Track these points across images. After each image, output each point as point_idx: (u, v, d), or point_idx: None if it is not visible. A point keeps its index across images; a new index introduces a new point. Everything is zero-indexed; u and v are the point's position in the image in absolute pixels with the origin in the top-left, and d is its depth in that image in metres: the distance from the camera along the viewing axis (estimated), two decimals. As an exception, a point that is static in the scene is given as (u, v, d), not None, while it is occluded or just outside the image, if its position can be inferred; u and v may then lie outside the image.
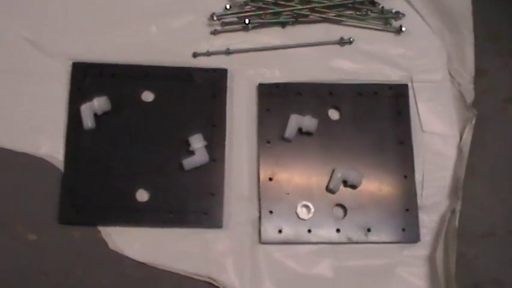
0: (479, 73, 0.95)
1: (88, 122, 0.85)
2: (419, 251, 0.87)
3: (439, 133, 0.92)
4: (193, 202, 0.86)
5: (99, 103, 0.86)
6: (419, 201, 0.89)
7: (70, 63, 0.90)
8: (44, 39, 0.92)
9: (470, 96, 0.93)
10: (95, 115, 0.86)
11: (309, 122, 0.88)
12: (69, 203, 0.84)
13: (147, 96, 0.90)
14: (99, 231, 0.85)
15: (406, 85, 0.93)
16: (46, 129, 0.88)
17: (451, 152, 0.92)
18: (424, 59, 0.95)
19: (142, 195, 0.86)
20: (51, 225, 0.84)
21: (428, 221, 0.88)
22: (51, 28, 0.92)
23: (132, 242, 0.84)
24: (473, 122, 0.91)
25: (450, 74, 0.95)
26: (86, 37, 0.92)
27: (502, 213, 0.91)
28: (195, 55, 0.92)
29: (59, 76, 0.90)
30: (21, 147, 0.87)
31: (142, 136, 0.88)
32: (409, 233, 0.87)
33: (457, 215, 0.86)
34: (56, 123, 0.88)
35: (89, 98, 0.86)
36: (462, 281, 0.83)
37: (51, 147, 0.87)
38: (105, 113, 0.87)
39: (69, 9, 0.93)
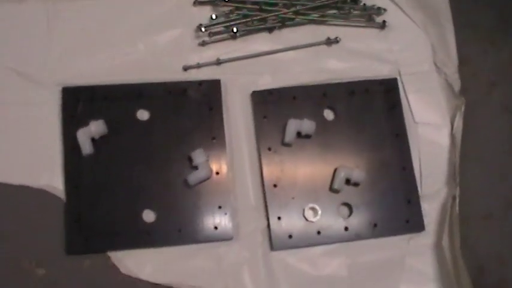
0: (462, 60, 0.98)
1: (86, 147, 0.83)
2: (426, 239, 0.89)
3: (431, 123, 0.95)
4: (201, 217, 0.85)
5: (96, 127, 0.84)
6: (419, 191, 0.91)
7: (60, 88, 0.87)
8: (31, 67, 0.89)
9: (457, 85, 0.96)
10: (92, 140, 0.84)
11: (307, 125, 0.88)
12: (75, 232, 0.82)
13: (143, 114, 0.88)
14: (109, 257, 0.83)
15: (395, 79, 0.95)
16: (43, 159, 0.85)
17: (444, 140, 0.94)
18: (409, 52, 0.97)
19: (149, 216, 0.84)
20: (59, 257, 0.82)
21: (430, 210, 0.90)
22: (36, 55, 0.89)
23: (144, 264, 0.83)
24: (463, 109, 0.94)
25: (435, 65, 0.97)
26: (73, 61, 0.90)
27: (498, 194, 0.94)
28: (185, 68, 0.91)
29: (50, 103, 0.87)
30: (19, 180, 0.84)
31: (143, 156, 0.86)
32: (414, 224, 0.89)
33: (457, 201, 0.89)
34: (53, 152, 0.85)
35: (84, 123, 0.84)
36: (467, 264, 0.85)
37: (50, 177, 0.84)
38: (102, 137, 0.85)
39: (53, 35, 0.90)
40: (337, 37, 0.95)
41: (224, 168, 0.87)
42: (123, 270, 0.83)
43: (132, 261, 0.83)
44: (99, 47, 0.91)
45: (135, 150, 0.86)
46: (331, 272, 0.86)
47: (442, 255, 0.87)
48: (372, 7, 0.98)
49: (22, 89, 0.88)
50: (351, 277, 0.86)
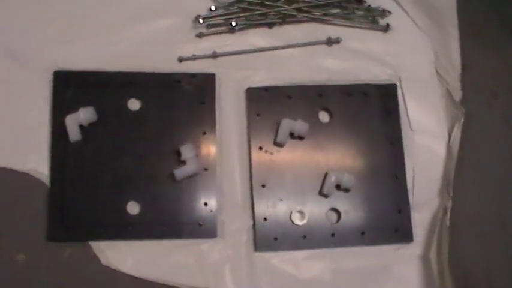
0: (464, 68, 0.95)
1: (74, 134, 0.82)
2: (413, 250, 0.87)
3: (428, 131, 0.92)
4: (186, 213, 0.84)
5: (85, 114, 0.82)
6: (410, 200, 0.89)
7: (51, 72, 0.86)
8: (23, 49, 0.87)
9: (458, 94, 0.93)
10: (81, 126, 0.83)
11: (300, 126, 0.87)
12: (57, 220, 0.81)
13: (134, 104, 0.87)
14: (91, 247, 0.82)
15: (395, 85, 0.93)
16: (30, 143, 0.84)
17: (440, 150, 0.92)
18: (411, 57, 0.95)
19: (133, 208, 0.83)
20: (40, 244, 0.81)
21: (420, 220, 0.89)
22: (29, 38, 0.88)
23: (125, 256, 0.82)
24: (462, 120, 0.91)
25: (437, 72, 0.95)
26: (66, 46, 0.88)
27: (491, 210, 0.92)
28: (180, 59, 0.89)
29: (40, 87, 0.86)
30: (4, 163, 0.83)
31: (131, 146, 0.85)
32: (402, 234, 0.87)
33: (448, 213, 0.87)
34: (40, 136, 0.84)
35: (73, 109, 0.83)
36: (454, 278, 0.83)
37: (36, 161, 0.83)
38: (91, 124, 0.84)
39: (48, 18, 0.89)
40: (338, 37, 0.93)
41: (213, 165, 0.86)
42: (103, 261, 0.82)
43: (113, 252, 0.82)
44: (94, 32, 0.89)
45: (124, 140, 0.85)
46: (314, 276, 0.85)
47: (429, 267, 0.86)
48: (377, 9, 0.95)
49: (12, 71, 0.86)
50: (334, 282, 0.85)
